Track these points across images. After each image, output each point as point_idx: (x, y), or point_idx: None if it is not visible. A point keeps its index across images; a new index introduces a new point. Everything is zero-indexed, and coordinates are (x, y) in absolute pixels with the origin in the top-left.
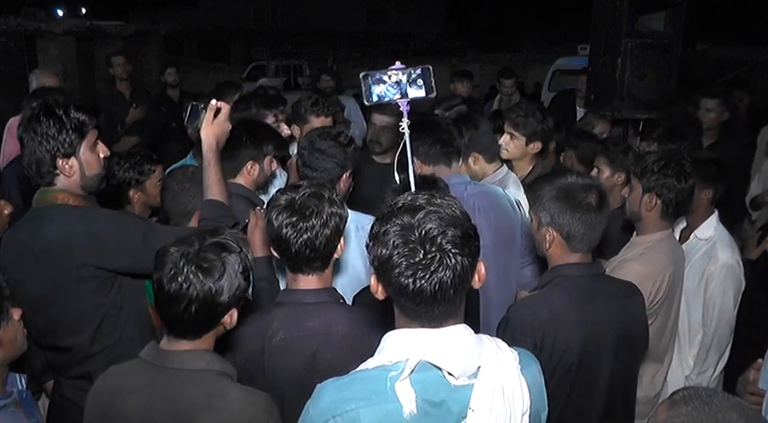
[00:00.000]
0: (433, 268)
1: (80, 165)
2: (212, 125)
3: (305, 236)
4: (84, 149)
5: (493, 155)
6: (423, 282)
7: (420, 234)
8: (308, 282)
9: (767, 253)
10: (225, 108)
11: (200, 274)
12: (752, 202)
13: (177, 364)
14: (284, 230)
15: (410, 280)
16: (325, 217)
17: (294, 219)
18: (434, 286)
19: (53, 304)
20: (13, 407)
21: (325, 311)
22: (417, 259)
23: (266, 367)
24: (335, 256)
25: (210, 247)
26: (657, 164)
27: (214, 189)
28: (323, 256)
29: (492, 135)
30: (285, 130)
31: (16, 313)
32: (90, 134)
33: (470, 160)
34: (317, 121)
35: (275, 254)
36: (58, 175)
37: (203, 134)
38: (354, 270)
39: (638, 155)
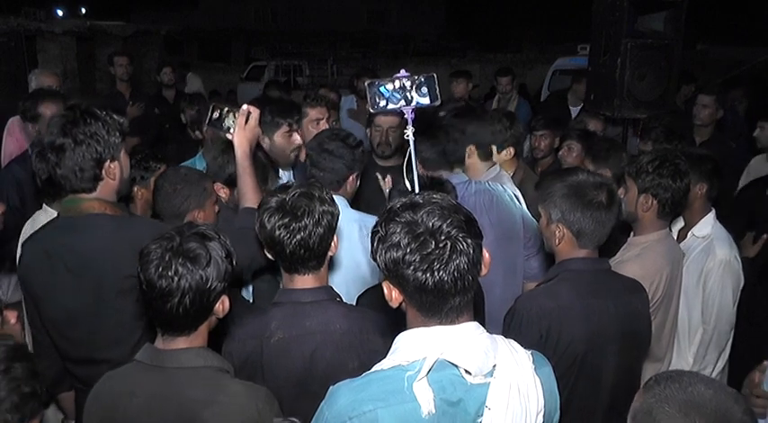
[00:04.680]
0: (447, 257)
1: (121, 168)
2: (244, 130)
3: (298, 236)
4: (122, 152)
5: (488, 154)
6: (441, 273)
7: (426, 227)
8: (305, 281)
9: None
10: (255, 112)
11: (188, 264)
12: None
13: (176, 364)
14: (277, 232)
15: (428, 274)
16: (317, 216)
17: (286, 220)
18: (454, 274)
19: (90, 317)
20: None
21: (322, 310)
22: (430, 250)
23: (265, 367)
24: (330, 253)
25: (191, 237)
26: (652, 164)
27: (250, 196)
28: (317, 255)
29: (491, 134)
30: (297, 139)
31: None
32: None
33: (466, 152)
34: (314, 112)
35: (270, 256)
36: (102, 179)
37: (236, 141)
38: (359, 270)
39: (633, 155)
